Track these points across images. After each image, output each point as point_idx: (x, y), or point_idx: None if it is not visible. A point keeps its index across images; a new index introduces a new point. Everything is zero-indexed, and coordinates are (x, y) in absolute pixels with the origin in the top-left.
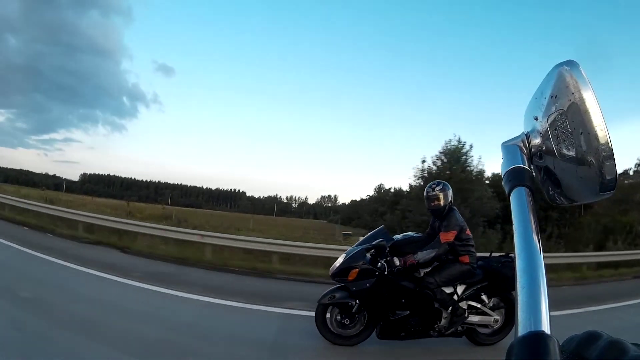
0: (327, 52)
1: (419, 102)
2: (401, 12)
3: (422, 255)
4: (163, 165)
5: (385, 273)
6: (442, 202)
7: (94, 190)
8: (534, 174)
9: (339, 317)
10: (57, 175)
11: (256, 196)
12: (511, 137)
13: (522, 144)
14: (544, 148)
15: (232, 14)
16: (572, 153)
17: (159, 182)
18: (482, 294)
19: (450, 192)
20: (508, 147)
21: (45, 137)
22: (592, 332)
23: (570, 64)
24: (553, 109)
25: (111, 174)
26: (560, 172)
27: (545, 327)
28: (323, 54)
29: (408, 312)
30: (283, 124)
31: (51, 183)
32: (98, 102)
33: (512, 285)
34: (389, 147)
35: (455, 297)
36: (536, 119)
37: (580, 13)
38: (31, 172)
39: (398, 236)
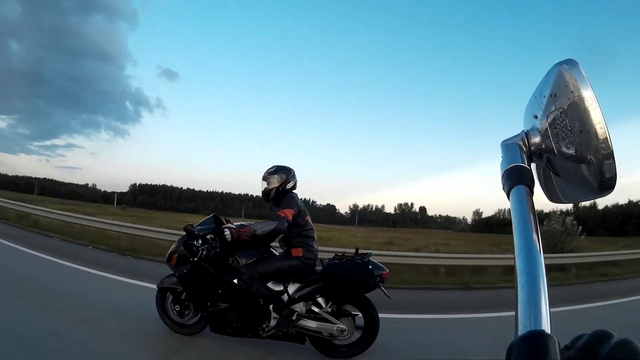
0: (334, 57)
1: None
2: (397, 10)
3: (260, 226)
4: (195, 171)
5: (196, 259)
6: (272, 185)
7: (150, 203)
8: (533, 172)
9: (173, 303)
10: (62, 180)
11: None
12: (511, 136)
13: (521, 143)
14: (543, 146)
15: (237, 18)
16: (571, 151)
17: (222, 192)
18: (318, 296)
19: (285, 177)
20: (508, 146)
21: (47, 143)
22: (601, 331)
23: (570, 62)
24: (553, 107)
25: (161, 183)
26: (559, 171)
27: (545, 327)
28: (330, 60)
29: (227, 305)
30: (289, 127)
31: (89, 194)
32: (101, 107)
33: (354, 292)
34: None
35: (285, 296)
36: (536, 117)
37: (580, 13)
38: (41, 179)
39: (231, 225)
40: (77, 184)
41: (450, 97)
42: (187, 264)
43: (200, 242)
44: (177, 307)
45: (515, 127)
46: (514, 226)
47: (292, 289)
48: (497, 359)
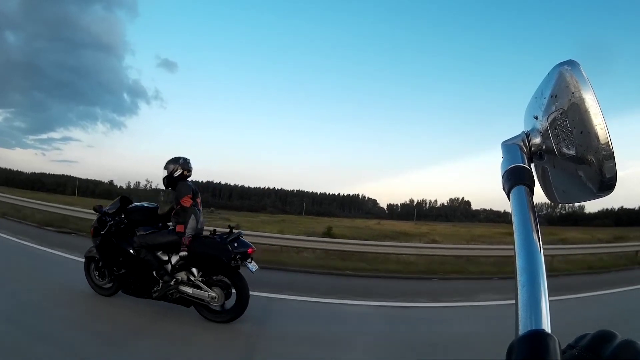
0: (332, 49)
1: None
2: (396, 9)
3: (188, 227)
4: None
5: (103, 232)
6: (165, 174)
7: (202, 202)
8: (534, 172)
9: (94, 269)
10: (64, 174)
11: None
12: (511, 136)
13: (522, 143)
14: (544, 147)
15: (238, 8)
16: (572, 152)
17: (281, 189)
18: (193, 267)
19: (173, 166)
20: (508, 146)
21: (44, 136)
22: (605, 331)
23: (571, 63)
24: (553, 108)
25: (207, 180)
26: (560, 171)
27: (546, 326)
28: (329, 51)
29: (126, 270)
30: (292, 120)
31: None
32: (98, 99)
33: (211, 264)
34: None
35: (169, 265)
36: (536, 118)
37: (580, 12)
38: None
39: (137, 204)
40: (102, 182)
41: (450, 97)
42: (98, 236)
43: (109, 218)
44: (96, 273)
45: (515, 128)
46: (514, 226)
47: (174, 259)
48: (497, 359)
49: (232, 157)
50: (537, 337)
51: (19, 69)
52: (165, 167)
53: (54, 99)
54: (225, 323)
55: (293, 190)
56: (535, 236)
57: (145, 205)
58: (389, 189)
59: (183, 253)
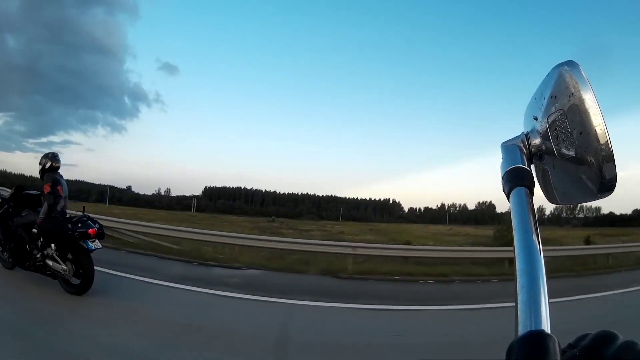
0: (340, 50)
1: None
2: (396, 11)
3: (43, 211)
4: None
5: None
6: (40, 167)
7: (234, 207)
8: (533, 174)
9: None
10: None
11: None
12: (511, 137)
13: (521, 144)
14: (543, 148)
15: (239, 10)
16: (571, 153)
17: (314, 195)
18: (52, 243)
19: (44, 160)
20: (508, 147)
21: (44, 140)
22: (606, 331)
23: (571, 64)
24: (553, 109)
25: (229, 185)
26: (559, 172)
27: (545, 327)
28: (337, 52)
29: (13, 245)
30: (297, 122)
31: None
32: (98, 102)
33: (67, 242)
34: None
35: (39, 242)
36: (536, 119)
37: (582, 11)
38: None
39: (26, 192)
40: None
41: (450, 97)
42: None
43: (5, 203)
44: (0, 249)
45: (516, 129)
46: (513, 227)
47: (41, 239)
48: (496, 359)
49: (236, 160)
50: (536, 337)
51: (19, 73)
52: (40, 162)
53: (54, 102)
54: (76, 295)
55: (325, 196)
56: (535, 238)
57: (31, 192)
58: (401, 192)
59: (34, 230)
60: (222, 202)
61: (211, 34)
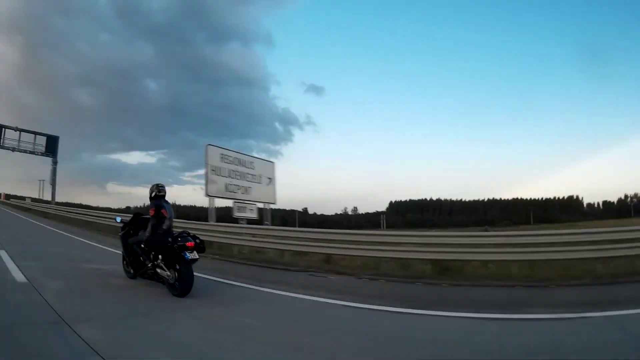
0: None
1: None
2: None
3: (147, 231)
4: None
5: (120, 234)
6: (149, 194)
7: (425, 220)
8: None
9: (123, 260)
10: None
11: None
12: None
13: None
14: None
15: (371, 22)
16: None
17: (500, 199)
18: (159, 255)
19: (150, 190)
20: None
21: (200, 172)
22: None
23: None
24: None
25: (415, 198)
26: None
27: None
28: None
29: (131, 258)
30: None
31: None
32: (250, 131)
33: (169, 254)
34: None
35: (151, 255)
36: None
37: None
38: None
39: (142, 217)
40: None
41: None
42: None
43: (128, 226)
44: (124, 262)
45: None
46: None
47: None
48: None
49: (406, 170)
50: None
51: (166, 113)
52: (149, 191)
53: (205, 136)
54: (179, 297)
55: (511, 199)
56: None
57: (145, 216)
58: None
59: (142, 246)
60: (411, 215)
61: (347, 48)
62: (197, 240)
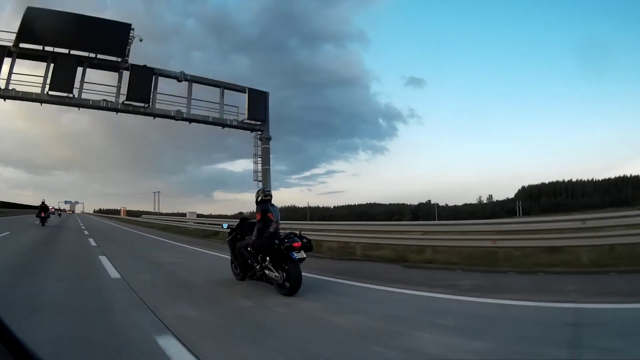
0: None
1: None
2: None
3: (254, 236)
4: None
5: (228, 239)
6: (255, 200)
7: (558, 204)
8: None
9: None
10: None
11: None
12: None
13: None
14: None
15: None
16: None
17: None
18: (267, 257)
19: (257, 194)
20: None
21: (307, 174)
22: None
23: None
24: None
25: (546, 181)
26: None
27: None
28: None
29: (239, 261)
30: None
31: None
32: (354, 130)
33: (277, 255)
34: None
35: (259, 257)
36: None
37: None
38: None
39: (249, 221)
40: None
41: None
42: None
43: (235, 231)
44: (233, 265)
45: None
46: None
47: (260, 255)
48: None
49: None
50: None
51: (270, 120)
52: (255, 196)
53: (309, 139)
54: (287, 296)
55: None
56: None
57: (251, 221)
58: None
59: (249, 249)
60: (545, 200)
61: (442, 37)
62: (304, 240)
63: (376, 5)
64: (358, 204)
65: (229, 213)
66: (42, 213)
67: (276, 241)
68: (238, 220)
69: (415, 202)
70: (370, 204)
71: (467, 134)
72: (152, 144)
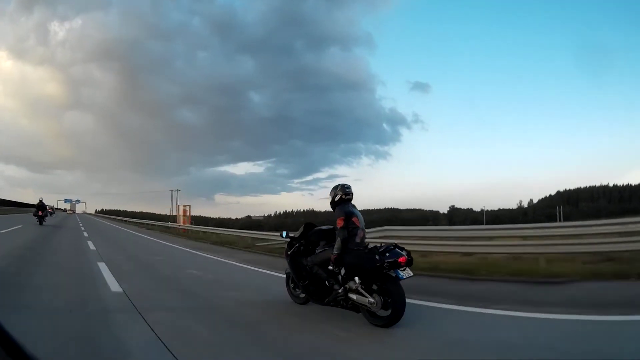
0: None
1: None
2: None
3: (336, 247)
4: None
5: (289, 253)
6: (330, 199)
7: (599, 209)
8: None
9: (290, 283)
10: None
11: None
12: None
13: None
14: None
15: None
16: None
17: None
18: (355, 276)
19: (334, 192)
20: None
21: (309, 178)
22: None
23: None
24: None
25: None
26: None
27: None
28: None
29: (308, 282)
30: None
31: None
32: (358, 134)
33: (359, 273)
34: None
35: (340, 277)
36: None
37: None
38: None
39: (317, 228)
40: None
41: None
42: (287, 257)
43: (297, 242)
44: (292, 285)
45: None
46: None
47: (343, 271)
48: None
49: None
50: None
51: (272, 123)
52: (330, 195)
53: (313, 143)
54: (383, 327)
55: None
56: None
57: (323, 228)
58: None
59: (330, 267)
60: (585, 205)
61: (449, 43)
62: (405, 252)
63: (383, 8)
64: (376, 209)
65: (233, 216)
66: (40, 212)
67: (376, 257)
68: (300, 228)
69: (426, 208)
70: (389, 209)
71: (471, 139)
72: (155, 144)
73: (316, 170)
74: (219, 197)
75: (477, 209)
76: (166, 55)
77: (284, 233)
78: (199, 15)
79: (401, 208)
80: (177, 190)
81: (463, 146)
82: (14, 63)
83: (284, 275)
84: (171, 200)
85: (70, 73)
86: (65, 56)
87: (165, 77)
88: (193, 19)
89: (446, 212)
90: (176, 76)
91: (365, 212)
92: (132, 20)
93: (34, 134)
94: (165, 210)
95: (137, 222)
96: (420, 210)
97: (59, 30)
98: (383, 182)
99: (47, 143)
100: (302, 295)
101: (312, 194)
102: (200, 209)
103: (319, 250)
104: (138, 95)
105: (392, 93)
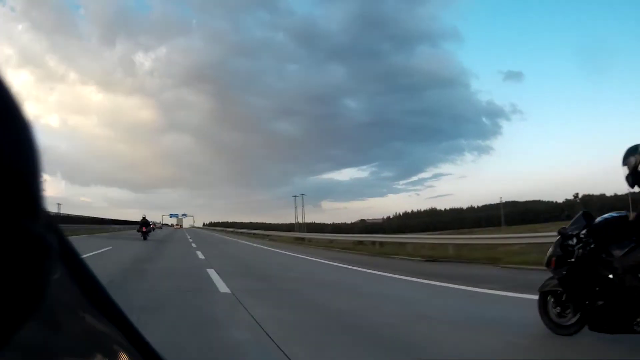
0: None
1: None
2: None
3: None
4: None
5: (572, 259)
6: (626, 170)
7: None
8: None
9: (553, 305)
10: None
11: None
12: None
13: None
14: None
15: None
16: None
17: None
18: None
19: (635, 158)
20: None
21: (414, 178)
22: None
23: None
24: None
25: None
26: None
27: None
28: None
29: (602, 301)
30: None
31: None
32: (459, 131)
33: None
34: None
35: None
36: None
37: None
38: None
39: (602, 217)
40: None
41: None
42: (564, 265)
43: (575, 241)
44: (557, 309)
45: None
46: None
47: None
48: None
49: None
50: None
51: (370, 128)
52: (625, 163)
53: (413, 143)
54: None
55: None
56: None
57: (614, 215)
58: None
59: None
60: None
61: (536, 27)
62: None
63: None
64: (494, 204)
65: (345, 222)
66: (144, 228)
67: None
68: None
69: (544, 198)
70: (509, 202)
71: (574, 125)
72: (255, 158)
73: (421, 170)
74: (325, 204)
75: (609, 193)
76: (255, 71)
77: (568, 228)
78: (282, 30)
79: (519, 200)
80: (302, 195)
81: (568, 131)
82: (104, 96)
83: (535, 297)
84: (295, 207)
85: (161, 99)
86: (155, 84)
87: (257, 92)
88: (277, 34)
89: (578, 200)
90: (268, 90)
91: (483, 209)
92: (215, 41)
93: (132, 157)
94: (279, 219)
95: (259, 234)
96: (540, 201)
97: (144, 60)
98: (487, 177)
99: (146, 165)
100: (573, 321)
101: (418, 194)
102: (308, 216)
103: (626, 249)
104: (232, 112)
105: (486, 85)
